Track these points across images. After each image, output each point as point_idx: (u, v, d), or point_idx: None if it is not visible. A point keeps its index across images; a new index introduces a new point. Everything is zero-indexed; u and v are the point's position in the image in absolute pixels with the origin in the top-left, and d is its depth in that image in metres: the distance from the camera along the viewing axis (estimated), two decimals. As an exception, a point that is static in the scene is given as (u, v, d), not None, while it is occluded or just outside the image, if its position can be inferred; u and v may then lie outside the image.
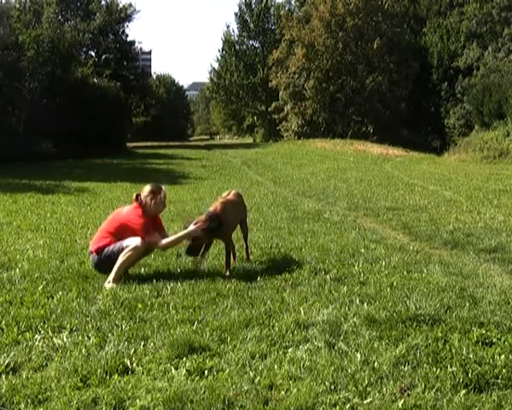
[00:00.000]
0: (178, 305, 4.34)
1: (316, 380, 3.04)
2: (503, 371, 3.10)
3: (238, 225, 5.95)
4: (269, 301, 4.36)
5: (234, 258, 5.71)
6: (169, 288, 4.78)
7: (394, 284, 4.88)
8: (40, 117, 23.84)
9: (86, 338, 3.68)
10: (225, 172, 19.34)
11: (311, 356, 3.35)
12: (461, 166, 22.63)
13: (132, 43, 50.52)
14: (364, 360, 3.27)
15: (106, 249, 5.13)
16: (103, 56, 46.76)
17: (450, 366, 3.17)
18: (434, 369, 3.15)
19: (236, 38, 52.70)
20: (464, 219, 8.67)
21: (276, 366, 3.22)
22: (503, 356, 3.28)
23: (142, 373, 3.19)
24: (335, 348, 3.47)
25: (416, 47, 39.69)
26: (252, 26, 51.70)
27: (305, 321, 3.89)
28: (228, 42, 52.60)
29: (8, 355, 3.38)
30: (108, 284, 4.91)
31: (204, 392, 2.91)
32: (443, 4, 40.15)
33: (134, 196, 5.33)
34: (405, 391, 2.92)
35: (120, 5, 47.98)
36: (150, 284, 4.88)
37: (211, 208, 5.45)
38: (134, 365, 3.28)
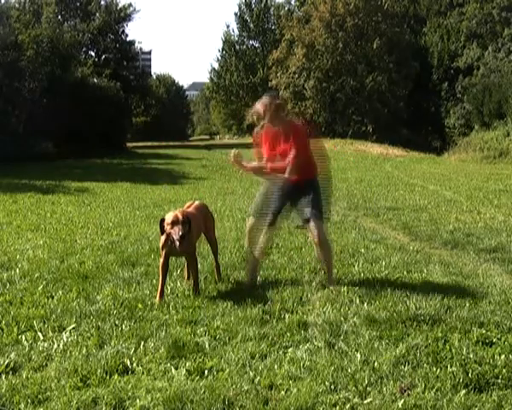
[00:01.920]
0: (178, 305, 4.34)
1: (316, 380, 3.04)
2: (503, 371, 3.10)
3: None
4: (269, 301, 4.36)
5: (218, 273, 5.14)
6: (169, 288, 4.79)
7: (394, 284, 4.88)
8: (40, 117, 23.80)
9: (86, 338, 3.68)
10: (225, 172, 19.25)
11: (311, 356, 3.35)
12: (461, 166, 22.63)
13: (132, 43, 50.42)
14: (364, 360, 3.27)
15: None
16: (103, 56, 46.73)
17: (450, 366, 3.17)
18: (434, 369, 3.15)
19: (236, 38, 52.73)
20: (464, 219, 8.67)
21: (276, 366, 3.22)
22: (503, 356, 3.28)
23: (142, 373, 3.18)
24: (335, 348, 3.47)
25: (415, 47, 39.62)
26: (252, 26, 51.73)
27: (305, 321, 3.89)
28: (228, 42, 52.60)
29: (8, 355, 3.38)
30: None
31: (204, 392, 2.91)
32: (443, 4, 40.11)
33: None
34: (405, 391, 2.92)
35: (120, 5, 47.95)
36: (150, 284, 4.89)
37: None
38: (134, 365, 3.28)
